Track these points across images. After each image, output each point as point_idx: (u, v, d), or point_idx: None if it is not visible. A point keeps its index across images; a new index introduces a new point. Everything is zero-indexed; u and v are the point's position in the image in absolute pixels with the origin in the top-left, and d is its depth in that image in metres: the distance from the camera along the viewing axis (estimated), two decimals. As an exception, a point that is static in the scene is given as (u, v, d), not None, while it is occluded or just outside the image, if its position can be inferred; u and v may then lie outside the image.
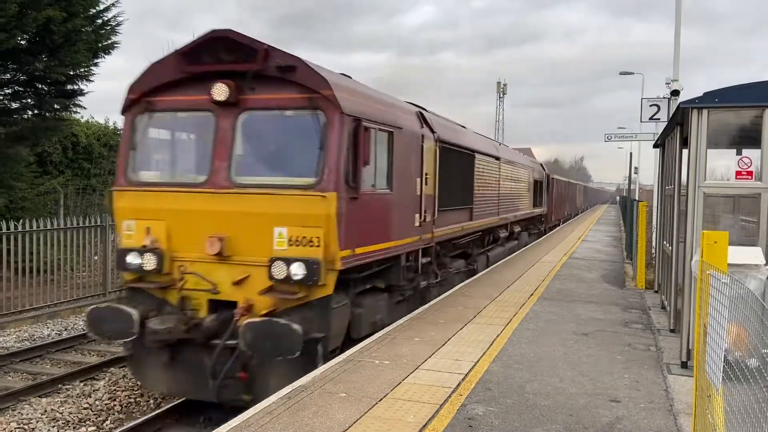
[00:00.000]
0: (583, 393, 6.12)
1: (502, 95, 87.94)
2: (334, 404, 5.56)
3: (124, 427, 7.12)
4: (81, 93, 16.61)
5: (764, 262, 6.14)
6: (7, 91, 15.79)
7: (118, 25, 16.98)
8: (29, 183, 17.10)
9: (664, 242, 10.80)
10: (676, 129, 9.02)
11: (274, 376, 6.85)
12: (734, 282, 3.44)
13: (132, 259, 7.31)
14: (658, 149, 13.38)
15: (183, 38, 67.77)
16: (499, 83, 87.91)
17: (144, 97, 7.58)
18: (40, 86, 16.03)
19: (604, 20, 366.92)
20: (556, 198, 32.27)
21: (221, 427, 5.04)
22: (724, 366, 3.48)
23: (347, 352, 7.30)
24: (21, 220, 12.63)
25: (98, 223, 14.04)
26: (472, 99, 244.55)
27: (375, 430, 5.04)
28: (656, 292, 12.14)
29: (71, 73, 15.79)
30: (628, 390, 6.27)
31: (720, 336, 3.55)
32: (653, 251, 15.28)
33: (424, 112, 10.55)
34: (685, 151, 7.99)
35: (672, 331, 8.80)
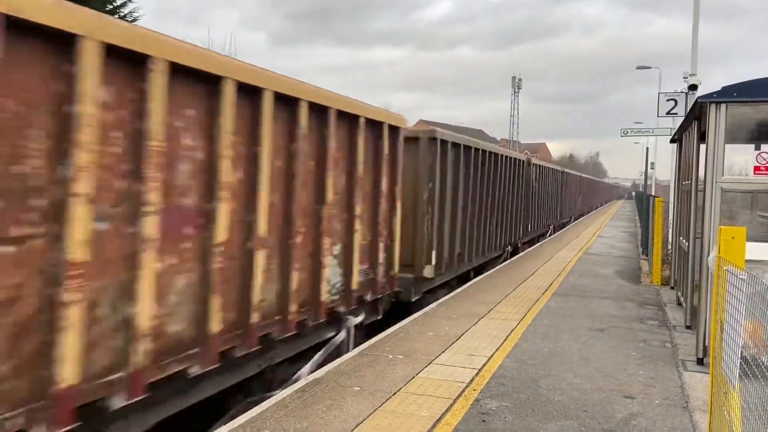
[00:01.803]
0: (597, 389, 6.10)
1: (517, 90, 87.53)
2: (347, 398, 5.59)
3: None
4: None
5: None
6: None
7: (134, 20, 17.12)
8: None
9: (681, 238, 10.71)
10: (693, 124, 8.92)
11: None
12: (752, 278, 3.40)
13: None
14: (675, 144, 13.25)
15: (201, 35, 68.10)
16: (514, 78, 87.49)
17: None
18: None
19: (623, 14, 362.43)
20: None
21: (237, 419, 5.08)
22: (740, 362, 3.45)
23: (361, 346, 7.33)
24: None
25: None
26: (489, 94, 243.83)
27: (388, 424, 5.06)
28: (672, 288, 12.04)
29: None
30: (643, 386, 6.24)
31: (737, 332, 3.52)
32: (669, 247, 15.15)
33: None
34: (702, 146, 7.91)
35: (688, 327, 8.74)
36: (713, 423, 4.23)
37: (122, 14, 16.92)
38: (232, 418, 5.25)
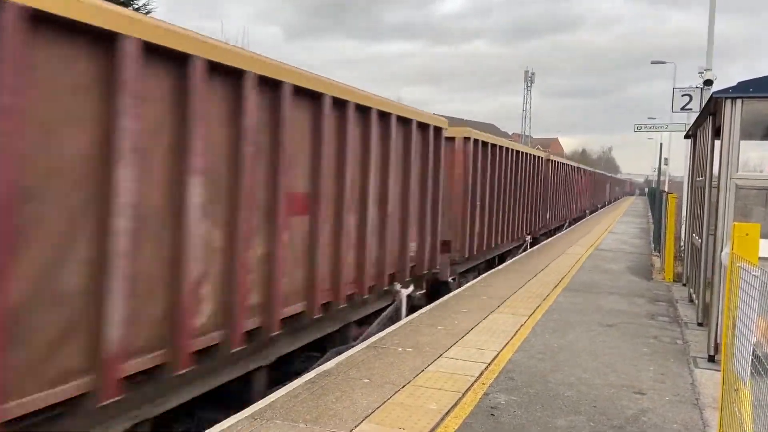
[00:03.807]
0: (607, 384, 6.08)
1: (529, 84, 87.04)
2: (357, 390, 5.61)
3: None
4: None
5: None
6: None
7: (148, 13, 17.18)
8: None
9: (694, 234, 10.63)
10: (708, 119, 8.84)
11: None
12: (765, 275, 3.38)
13: None
14: (690, 140, 13.13)
15: (214, 27, 68.15)
16: (526, 72, 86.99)
17: None
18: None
19: (640, 9, 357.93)
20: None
21: (246, 409, 5.12)
22: (752, 360, 3.43)
23: (370, 339, 7.36)
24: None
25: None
26: (502, 88, 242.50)
27: (397, 416, 5.08)
28: (684, 285, 11.96)
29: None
30: (654, 382, 6.22)
31: (749, 329, 3.50)
32: (682, 244, 15.05)
33: None
34: (717, 142, 7.83)
35: (700, 324, 8.68)
36: (724, 420, 4.21)
37: (136, 7, 16.97)
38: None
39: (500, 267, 13.85)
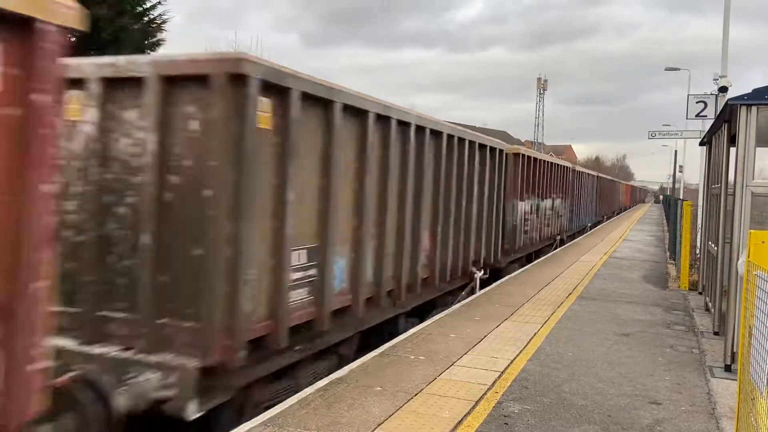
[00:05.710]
0: (622, 394, 6.03)
1: (542, 91, 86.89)
2: (369, 398, 5.61)
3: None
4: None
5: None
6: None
7: (164, 22, 17.37)
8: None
9: (710, 242, 10.53)
10: (723, 126, 8.77)
11: None
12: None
13: None
14: (705, 147, 13.03)
15: (231, 35, 68.83)
16: (539, 79, 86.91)
17: None
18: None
19: (659, 16, 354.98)
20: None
21: (259, 416, 5.14)
22: (769, 369, 3.39)
23: (382, 347, 7.35)
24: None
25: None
26: (517, 95, 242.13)
27: (410, 424, 5.07)
28: (700, 293, 11.83)
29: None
30: (669, 392, 6.15)
31: (766, 338, 3.46)
32: (697, 252, 14.90)
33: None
34: (732, 150, 7.77)
35: (716, 333, 8.59)
36: (740, 430, 4.16)
37: (152, 16, 17.16)
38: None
39: (513, 275, 13.79)
